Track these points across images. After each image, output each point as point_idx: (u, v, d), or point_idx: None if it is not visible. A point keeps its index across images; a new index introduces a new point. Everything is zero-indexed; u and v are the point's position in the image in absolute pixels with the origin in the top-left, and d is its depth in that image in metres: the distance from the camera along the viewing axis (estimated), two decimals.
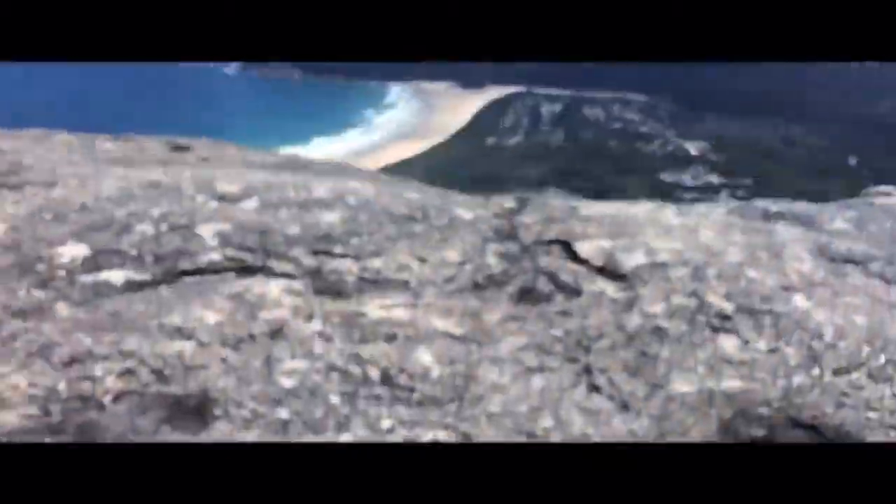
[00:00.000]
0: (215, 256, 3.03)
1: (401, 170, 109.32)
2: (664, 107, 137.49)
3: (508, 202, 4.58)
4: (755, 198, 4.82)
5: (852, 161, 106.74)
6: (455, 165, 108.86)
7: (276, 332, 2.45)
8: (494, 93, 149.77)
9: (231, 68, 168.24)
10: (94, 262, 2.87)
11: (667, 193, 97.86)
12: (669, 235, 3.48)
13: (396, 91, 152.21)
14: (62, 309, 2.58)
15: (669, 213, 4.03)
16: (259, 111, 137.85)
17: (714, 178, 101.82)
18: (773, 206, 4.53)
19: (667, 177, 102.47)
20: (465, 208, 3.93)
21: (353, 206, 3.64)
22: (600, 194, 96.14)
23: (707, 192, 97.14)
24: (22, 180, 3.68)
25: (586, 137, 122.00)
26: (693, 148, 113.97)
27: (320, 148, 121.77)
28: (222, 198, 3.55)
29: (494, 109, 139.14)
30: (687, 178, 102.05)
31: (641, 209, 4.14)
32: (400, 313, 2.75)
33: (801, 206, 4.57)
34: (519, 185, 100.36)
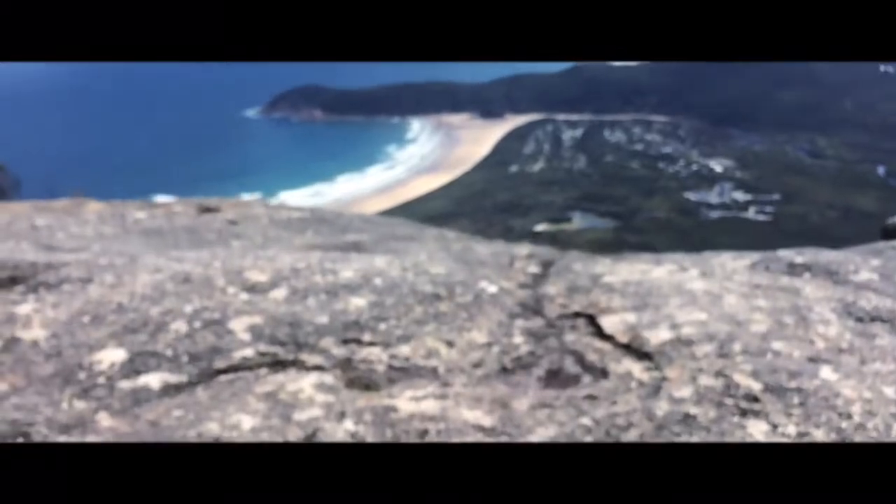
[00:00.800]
0: (248, 352, 3.11)
1: (425, 203, 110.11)
2: (686, 126, 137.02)
3: (532, 266, 4.63)
4: (780, 249, 4.81)
5: (881, 171, 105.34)
6: (479, 196, 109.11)
7: (310, 437, 2.51)
8: (515, 121, 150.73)
9: (253, 112, 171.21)
10: (131, 366, 2.97)
11: (693, 212, 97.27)
12: (693, 305, 3.50)
13: (417, 125, 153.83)
14: (104, 419, 2.66)
15: (692, 276, 4.05)
16: (283, 153, 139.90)
17: (740, 196, 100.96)
18: (798, 257, 4.52)
19: (692, 196, 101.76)
20: (489, 280, 3.99)
21: (379, 289, 3.71)
22: (625, 217, 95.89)
23: (733, 210, 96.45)
24: (60, 277, 3.81)
25: (608, 161, 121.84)
26: (717, 165, 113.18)
27: (345, 185, 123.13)
28: (252, 288, 3.65)
29: (515, 138, 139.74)
30: (713, 197, 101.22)
31: (664, 272, 4.16)
32: (430, 405, 2.79)
33: (826, 256, 4.56)
34: (544, 212, 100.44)
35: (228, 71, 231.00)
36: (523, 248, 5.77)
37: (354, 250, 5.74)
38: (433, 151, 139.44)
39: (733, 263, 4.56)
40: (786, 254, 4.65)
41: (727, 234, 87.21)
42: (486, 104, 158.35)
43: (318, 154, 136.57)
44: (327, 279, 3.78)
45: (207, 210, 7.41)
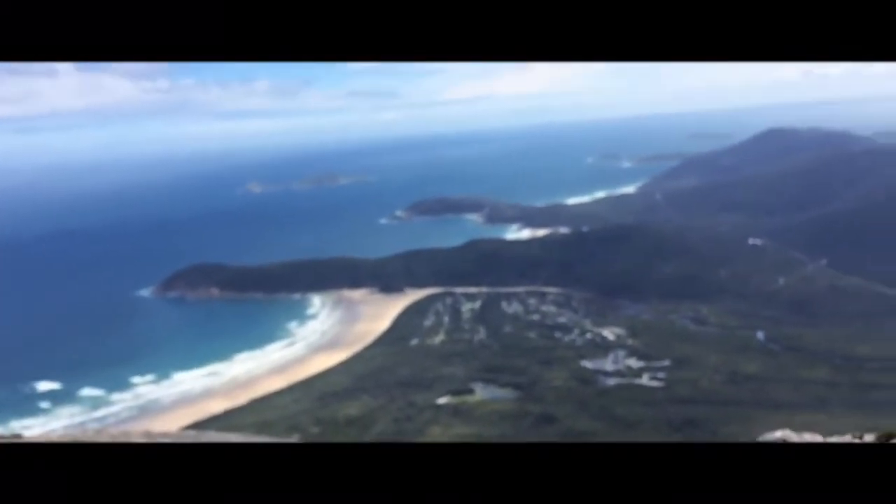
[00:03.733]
0: None
1: (325, 380, 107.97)
2: (578, 296, 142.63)
3: None
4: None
5: (761, 336, 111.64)
6: (380, 371, 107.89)
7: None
8: (414, 295, 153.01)
9: (147, 291, 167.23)
10: None
11: (590, 380, 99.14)
12: None
13: (318, 301, 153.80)
14: None
15: None
16: (178, 332, 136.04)
17: (633, 362, 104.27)
18: None
19: (588, 364, 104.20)
20: None
21: None
22: (526, 387, 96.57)
23: (628, 377, 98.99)
24: None
25: (507, 332, 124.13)
26: (610, 334, 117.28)
27: (242, 364, 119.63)
28: None
29: (415, 312, 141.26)
30: (608, 364, 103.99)
31: None
32: None
33: None
34: (446, 385, 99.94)
35: (120, 250, 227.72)
36: None
37: None
38: (333, 327, 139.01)
39: None
40: None
41: (624, 402, 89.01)
42: (386, 279, 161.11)
43: (214, 333, 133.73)
44: None
45: None
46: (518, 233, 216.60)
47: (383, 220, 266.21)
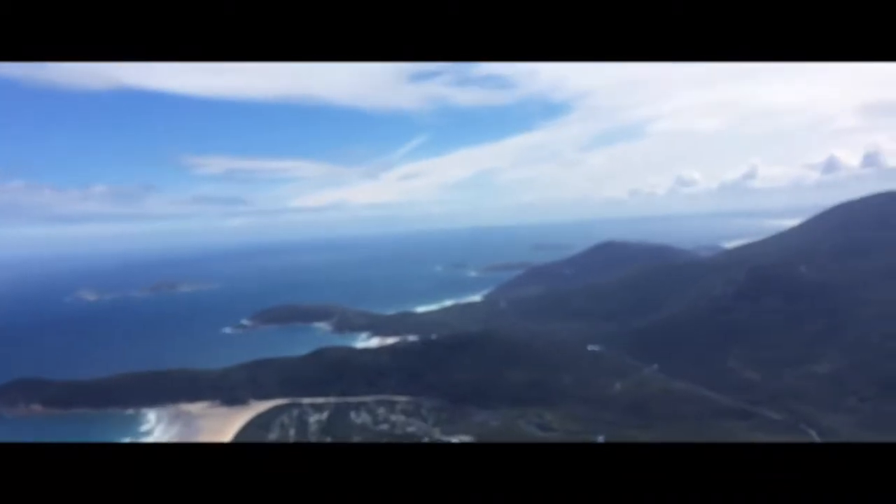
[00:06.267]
0: None
1: None
2: (427, 405, 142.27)
3: None
4: None
5: (601, 439, 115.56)
6: None
7: None
8: (259, 407, 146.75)
9: None
10: None
11: None
12: None
13: (153, 417, 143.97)
14: None
15: None
16: None
17: None
18: None
19: None
20: None
21: None
22: None
23: None
24: None
25: (354, 443, 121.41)
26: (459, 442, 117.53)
27: None
28: None
29: (259, 425, 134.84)
30: None
31: None
32: None
33: None
34: None
35: None
36: None
37: None
38: None
39: None
40: None
41: None
42: (228, 391, 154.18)
43: None
44: None
45: None
46: (367, 341, 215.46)
47: (227, 329, 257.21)
